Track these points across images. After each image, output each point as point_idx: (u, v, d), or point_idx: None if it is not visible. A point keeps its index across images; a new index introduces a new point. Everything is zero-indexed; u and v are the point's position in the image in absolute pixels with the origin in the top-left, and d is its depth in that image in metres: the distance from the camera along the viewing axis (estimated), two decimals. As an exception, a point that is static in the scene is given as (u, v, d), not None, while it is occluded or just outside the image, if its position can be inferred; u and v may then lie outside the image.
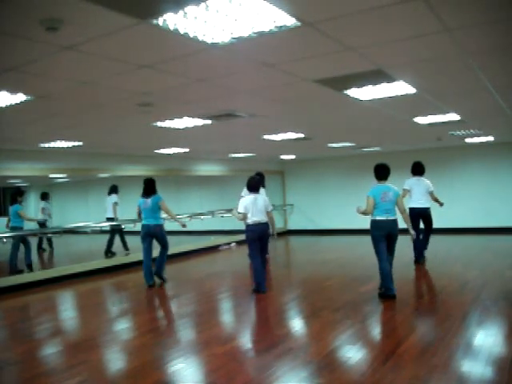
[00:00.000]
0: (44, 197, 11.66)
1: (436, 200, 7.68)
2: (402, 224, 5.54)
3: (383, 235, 5.38)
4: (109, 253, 9.72)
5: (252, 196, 6.11)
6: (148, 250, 6.89)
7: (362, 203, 5.54)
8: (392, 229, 5.40)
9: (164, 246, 7.00)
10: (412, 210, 7.37)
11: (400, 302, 5.32)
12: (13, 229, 8.32)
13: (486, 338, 3.96)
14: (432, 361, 3.46)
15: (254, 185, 6.20)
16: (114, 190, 10.29)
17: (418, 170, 7.67)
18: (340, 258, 9.03)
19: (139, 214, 7.00)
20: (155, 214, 6.84)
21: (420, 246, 7.54)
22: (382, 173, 5.56)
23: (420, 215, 7.50)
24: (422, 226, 7.59)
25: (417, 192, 7.52)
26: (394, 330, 4.50)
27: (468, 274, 6.54)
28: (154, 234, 6.86)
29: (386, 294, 5.41)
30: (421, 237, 7.58)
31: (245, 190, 7.01)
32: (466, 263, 7.43)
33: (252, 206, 6.02)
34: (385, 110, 5.82)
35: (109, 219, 10.04)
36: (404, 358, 3.58)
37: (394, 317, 4.90)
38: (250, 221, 6.02)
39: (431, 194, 7.60)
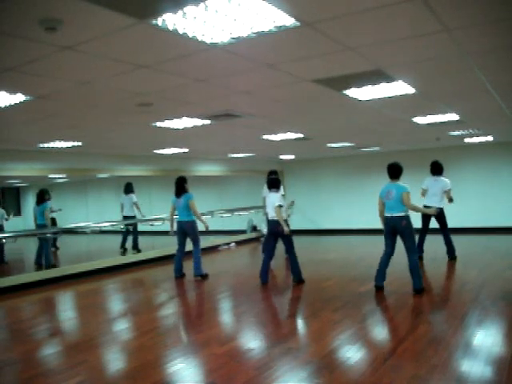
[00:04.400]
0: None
1: (450, 199, 7.69)
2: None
3: (389, 231, 5.75)
4: (137, 249, 10.03)
5: (267, 194, 6.75)
6: (181, 245, 7.40)
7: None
8: (397, 224, 5.65)
9: (194, 243, 7.30)
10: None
11: (399, 302, 5.33)
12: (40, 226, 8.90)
13: (485, 338, 3.96)
14: (432, 360, 3.47)
15: (269, 183, 6.77)
16: (131, 189, 10.38)
17: (434, 169, 7.77)
18: (339, 257, 9.03)
19: (172, 212, 7.47)
20: (187, 211, 7.24)
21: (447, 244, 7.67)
22: (390, 172, 5.84)
23: (429, 214, 7.55)
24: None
25: (430, 191, 7.66)
26: (393, 329, 4.51)
27: (467, 274, 6.55)
28: (185, 230, 7.27)
29: (375, 285, 5.81)
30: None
31: (265, 188, 7.58)
32: (466, 263, 7.43)
33: (266, 203, 6.81)
34: (384, 110, 5.82)
35: (127, 217, 10.17)
36: (404, 357, 3.59)
37: (394, 316, 4.90)
38: None
39: (447, 193, 7.61)
